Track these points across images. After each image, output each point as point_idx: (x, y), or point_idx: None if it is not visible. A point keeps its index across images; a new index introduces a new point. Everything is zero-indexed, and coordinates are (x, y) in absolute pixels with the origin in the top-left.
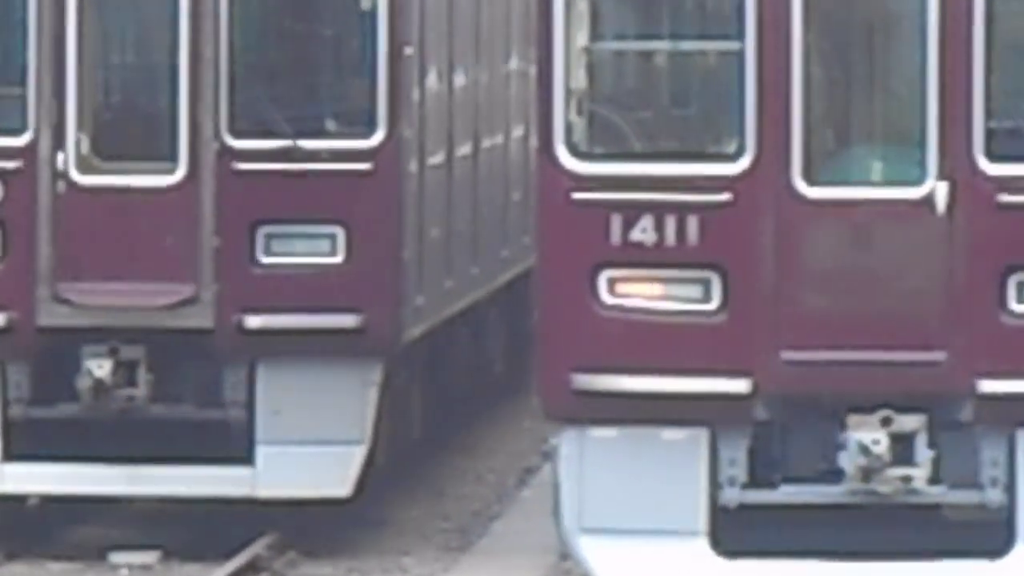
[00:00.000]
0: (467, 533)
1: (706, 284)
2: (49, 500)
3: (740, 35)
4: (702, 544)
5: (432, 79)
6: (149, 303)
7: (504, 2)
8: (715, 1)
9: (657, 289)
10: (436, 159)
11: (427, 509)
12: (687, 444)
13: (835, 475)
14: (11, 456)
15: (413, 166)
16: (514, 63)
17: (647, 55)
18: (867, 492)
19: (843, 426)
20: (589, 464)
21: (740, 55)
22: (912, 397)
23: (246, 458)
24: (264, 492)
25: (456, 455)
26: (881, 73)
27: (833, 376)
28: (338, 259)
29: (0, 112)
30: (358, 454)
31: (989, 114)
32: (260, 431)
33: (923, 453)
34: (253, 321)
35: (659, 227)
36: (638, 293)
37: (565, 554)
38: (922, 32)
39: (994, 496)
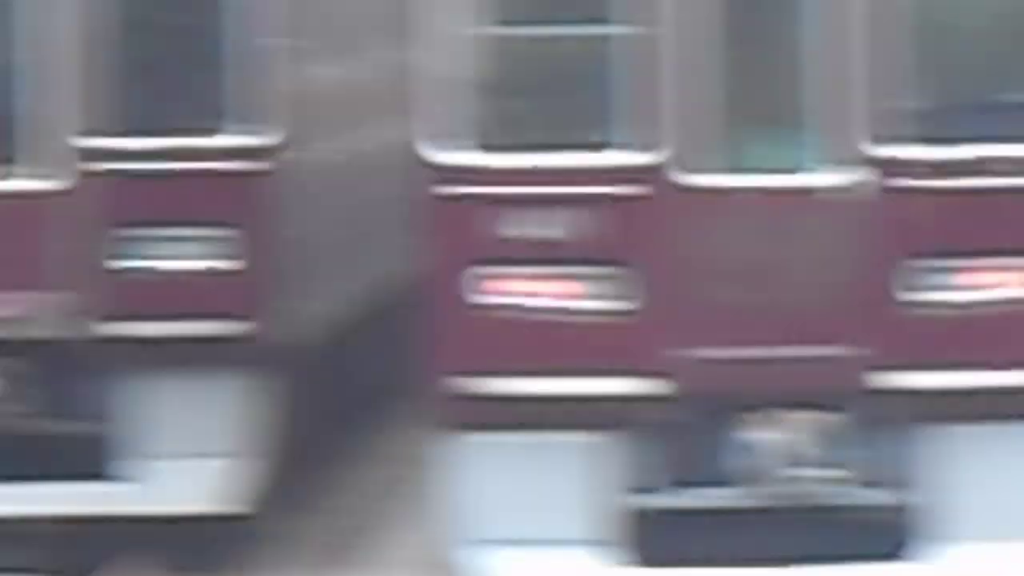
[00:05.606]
0: (343, 547)
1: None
2: None
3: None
4: (599, 553)
5: None
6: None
7: None
8: None
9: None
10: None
11: (300, 521)
12: (588, 448)
13: (731, 477)
14: None
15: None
16: None
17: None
18: (766, 495)
19: (742, 426)
20: (477, 471)
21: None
22: (818, 394)
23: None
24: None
25: (330, 464)
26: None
27: (730, 374)
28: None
29: None
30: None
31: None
32: (138, 444)
33: (833, 453)
34: (125, 328)
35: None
36: (532, 291)
37: (449, 567)
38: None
39: (895, 496)
